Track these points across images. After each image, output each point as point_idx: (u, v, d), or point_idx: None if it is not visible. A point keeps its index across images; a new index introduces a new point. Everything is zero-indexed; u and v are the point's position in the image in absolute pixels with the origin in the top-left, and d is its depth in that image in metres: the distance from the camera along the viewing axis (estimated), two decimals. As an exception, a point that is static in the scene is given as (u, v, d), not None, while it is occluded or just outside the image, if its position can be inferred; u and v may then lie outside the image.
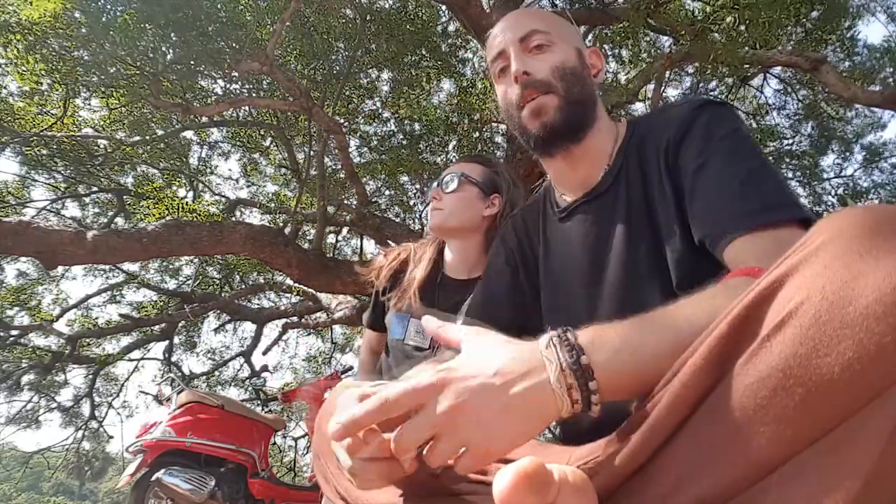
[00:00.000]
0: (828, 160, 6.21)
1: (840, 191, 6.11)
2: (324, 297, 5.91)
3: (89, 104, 4.91)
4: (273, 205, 6.30)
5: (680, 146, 0.81)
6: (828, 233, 0.42)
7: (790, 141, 5.94)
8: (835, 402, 0.38)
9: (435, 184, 1.56)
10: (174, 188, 5.98)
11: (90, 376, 7.09)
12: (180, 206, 4.48)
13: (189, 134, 5.90)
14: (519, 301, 1.01)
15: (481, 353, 0.54)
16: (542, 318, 0.96)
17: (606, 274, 0.86)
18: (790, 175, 5.89)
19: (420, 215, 5.72)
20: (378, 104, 5.46)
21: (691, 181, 0.77)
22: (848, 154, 6.21)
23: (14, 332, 6.29)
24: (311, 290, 5.58)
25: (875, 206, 0.43)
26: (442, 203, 1.49)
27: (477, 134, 5.15)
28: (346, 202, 5.48)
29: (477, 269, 1.47)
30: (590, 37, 5.16)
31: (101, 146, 5.20)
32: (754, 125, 5.91)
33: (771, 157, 5.45)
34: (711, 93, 5.43)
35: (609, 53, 5.15)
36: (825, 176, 6.17)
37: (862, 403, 0.37)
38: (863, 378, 0.37)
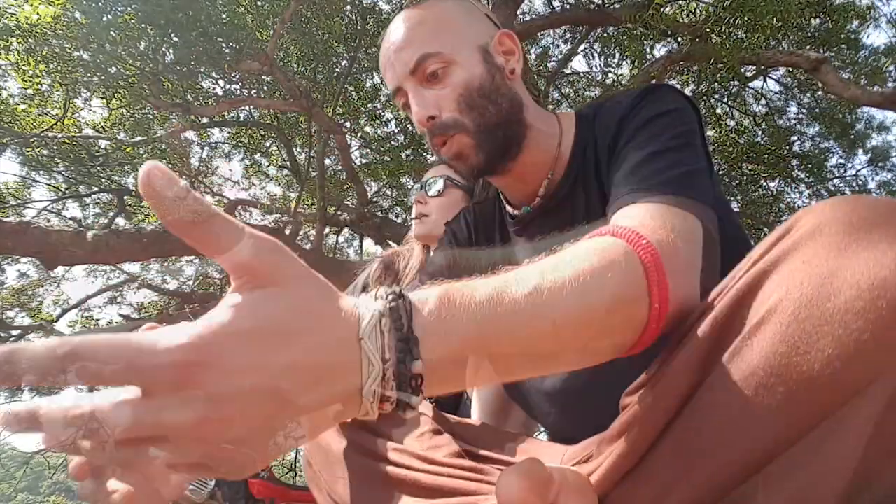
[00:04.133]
0: (832, 160, 6.22)
1: (847, 190, 6.11)
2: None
3: (90, 105, 4.93)
4: (274, 205, 6.31)
5: (615, 146, 0.73)
6: (806, 227, 0.41)
7: (795, 140, 5.95)
8: (817, 399, 0.37)
9: (417, 187, 1.51)
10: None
11: (90, 376, 7.09)
12: (181, 206, 4.48)
13: (190, 134, 5.91)
14: None
15: (269, 321, 0.34)
16: None
17: None
18: (798, 175, 5.89)
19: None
20: (379, 105, 5.46)
21: (612, 171, 0.71)
22: (853, 155, 6.22)
23: (15, 333, 6.29)
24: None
25: (853, 198, 0.42)
26: (427, 208, 1.44)
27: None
28: (346, 202, 5.48)
29: None
30: (589, 38, 5.17)
31: (102, 147, 5.21)
32: (753, 125, 5.92)
33: (780, 159, 5.45)
34: (713, 95, 5.43)
35: (609, 54, 5.15)
36: (831, 175, 6.17)
37: (844, 400, 0.37)
38: (843, 375, 0.36)
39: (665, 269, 0.48)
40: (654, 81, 4.21)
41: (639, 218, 0.57)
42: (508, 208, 0.87)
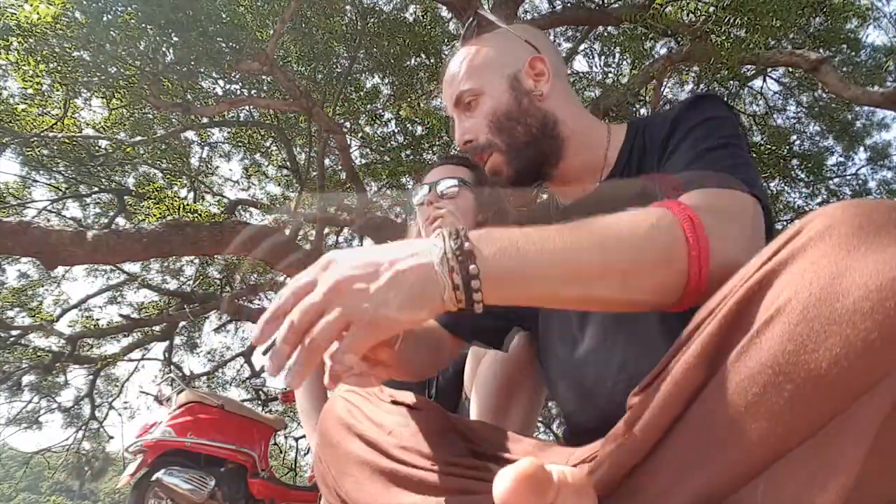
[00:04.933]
0: (831, 160, 6.21)
1: (847, 190, 6.11)
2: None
3: (90, 105, 4.92)
4: (274, 205, 6.31)
5: (667, 145, 0.79)
6: (816, 229, 0.42)
7: (794, 139, 5.94)
8: (823, 398, 0.38)
9: (425, 189, 1.44)
10: (175, 189, 5.99)
11: (90, 377, 7.10)
12: (181, 206, 4.49)
13: (190, 134, 5.91)
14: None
15: (372, 248, 0.56)
16: (538, 321, 0.93)
17: None
18: (796, 175, 5.88)
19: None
20: (379, 106, 5.46)
21: (665, 163, 0.77)
22: (853, 153, 6.21)
23: (15, 333, 6.29)
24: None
25: (863, 202, 0.42)
26: (443, 211, 1.39)
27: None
28: (346, 202, 5.48)
29: None
30: (589, 38, 5.16)
31: (102, 147, 5.20)
32: (753, 125, 5.92)
33: (779, 158, 5.43)
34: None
35: (609, 54, 5.15)
36: (830, 175, 6.16)
37: (850, 399, 0.37)
38: (850, 374, 0.37)
39: (704, 225, 0.55)
40: (654, 80, 4.22)
41: (686, 197, 0.63)
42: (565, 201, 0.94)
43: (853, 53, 5.21)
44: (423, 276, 0.51)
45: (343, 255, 0.53)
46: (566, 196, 0.92)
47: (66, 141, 4.67)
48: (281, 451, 7.41)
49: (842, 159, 6.28)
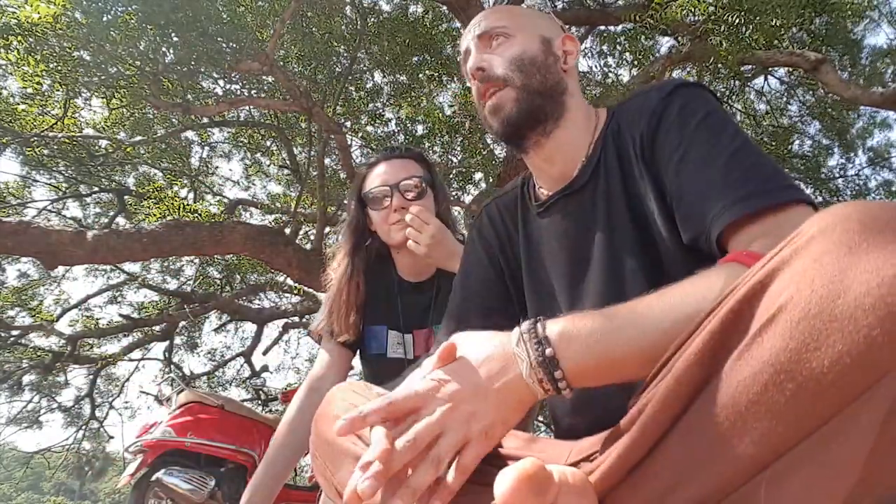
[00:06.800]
0: (832, 161, 6.20)
1: (847, 191, 6.10)
2: (324, 297, 5.90)
3: (90, 105, 4.92)
4: (275, 205, 6.31)
5: (655, 138, 0.77)
6: (818, 228, 0.42)
7: (795, 140, 5.94)
8: (825, 396, 0.37)
9: (386, 190, 1.35)
10: (175, 188, 5.99)
11: (91, 376, 7.09)
12: (181, 206, 4.49)
13: (190, 134, 5.91)
14: (499, 291, 0.98)
15: (467, 356, 0.60)
16: (527, 311, 0.94)
17: (589, 271, 0.83)
18: (795, 176, 5.86)
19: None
20: (380, 105, 5.46)
21: (674, 176, 0.74)
22: (853, 154, 6.19)
23: (15, 333, 6.29)
24: (311, 290, 5.58)
25: (865, 202, 0.42)
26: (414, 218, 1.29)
27: (479, 135, 5.15)
28: (346, 202, 5.47)
29: (428, 269, 1.42)
30: (590, 37, 5.16)
31: (102, 146, 5.20)
32: (754, 125, 5.91)
33: (778, 159, 5.42)
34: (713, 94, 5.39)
35: (609, 53, 5.15)
36: (831, 175, 6.16)
37: (852, 397, 0.37)
38: (853, 371, 0.36)
39: None
40: (654, 81, 4.21)
41: (753, 239, 0.63)
42: (543, 191, 0.93)
43: (854, 54, 5.20)
44: (517, 389, 0.57)
45: (450, 378, 0.59)
46: (545, 178, 0.92)
47: (66, 141, 4.67)
48: (281, 451, 7.39)
49: (842, 160, 6.27)
